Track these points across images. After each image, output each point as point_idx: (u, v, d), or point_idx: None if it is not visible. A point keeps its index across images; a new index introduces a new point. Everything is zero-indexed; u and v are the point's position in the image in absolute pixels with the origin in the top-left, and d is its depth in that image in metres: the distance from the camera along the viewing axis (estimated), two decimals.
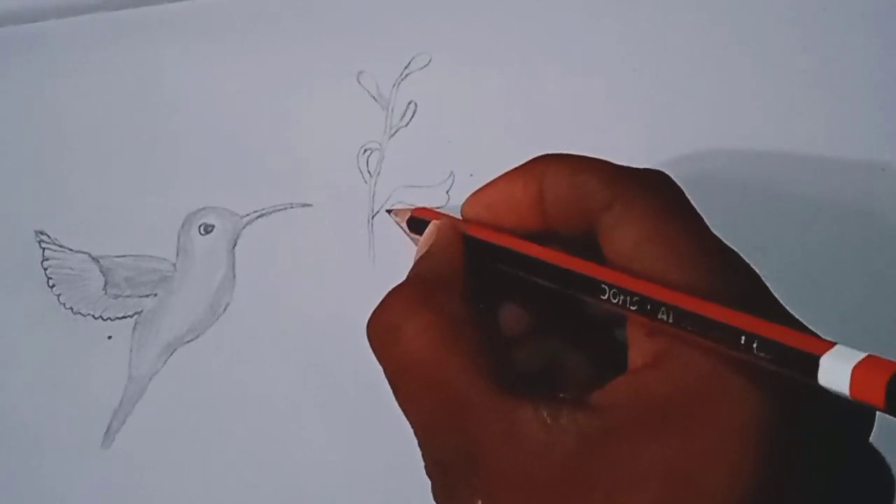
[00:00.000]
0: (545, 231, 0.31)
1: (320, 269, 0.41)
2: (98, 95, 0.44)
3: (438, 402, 0.27)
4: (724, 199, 0.42)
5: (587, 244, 0.29)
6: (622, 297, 0.26)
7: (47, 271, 0.41)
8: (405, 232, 0.37)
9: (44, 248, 0.41)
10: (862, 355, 0.22)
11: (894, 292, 0.41)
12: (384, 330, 0.29)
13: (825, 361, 0.22)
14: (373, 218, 0.42)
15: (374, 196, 0.42)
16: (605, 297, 0.27)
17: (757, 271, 0.29)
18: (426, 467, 0.28)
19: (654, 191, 0.29)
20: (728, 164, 0.42)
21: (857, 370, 0.21)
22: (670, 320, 0.25)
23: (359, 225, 0.42)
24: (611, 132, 0.43)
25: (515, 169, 0.31)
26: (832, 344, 0.22)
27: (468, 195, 0.33)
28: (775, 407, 0.24)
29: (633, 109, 0.43)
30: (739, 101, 0.43)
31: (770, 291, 0.28)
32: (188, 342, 0.40)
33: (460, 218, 0.33)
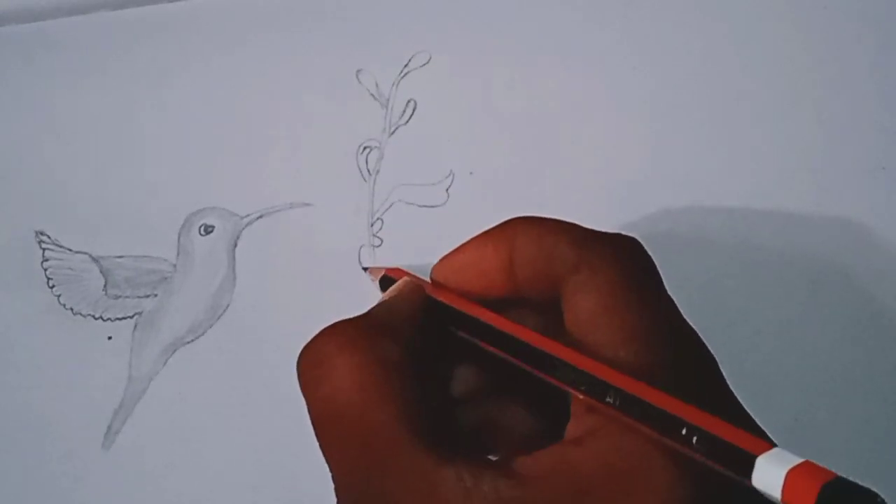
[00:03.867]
0: (514, 297, 0.30)
1: (320, 269, 0.41)
2: (97, 94, 0.44)
3: (360, 451, 0.26)
4: (724, 199, 0.42)
5: (555, 310, 0.29)
6: (572, 377, 0.26)
7: (47, 272, 0.41)
8: (378, 290, 0.37)
9: (44, 249, 0.41)
10: (798, 460, 0.21)
11: (895, 292, 0.41)
12: (313, 364, 0.28)
13: (761, 462, 0.22)
14: (373, 218, 0.42)
15: (373, 195, 0.42)
16: (555, 375, 0.27)
17: (712, 353, 0.28)
18: None
19: (620, 258, 0.28)
20: (728, 163, 0.42)
21: (792, 475, 0.21)
22: (616, 403, 0.25)
23: (359, 224, 0.42)
24: (611, 130, 0.43)
25: (487, 232, 0.31)
26: (771, 446, 0.22)
27: (439, 259, 0.32)
28: (698, 500, 0.24)
29: (633, 108, 0.43)
30: (739, 100, 0.43)
31: (722, 377, 0.28)
32: (188, 342, 0.40)
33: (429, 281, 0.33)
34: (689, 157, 0.42)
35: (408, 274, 0.35)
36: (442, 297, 0.31)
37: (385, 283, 0.36)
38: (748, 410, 0.28)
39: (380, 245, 0.41)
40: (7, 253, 0.41)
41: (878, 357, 0.40)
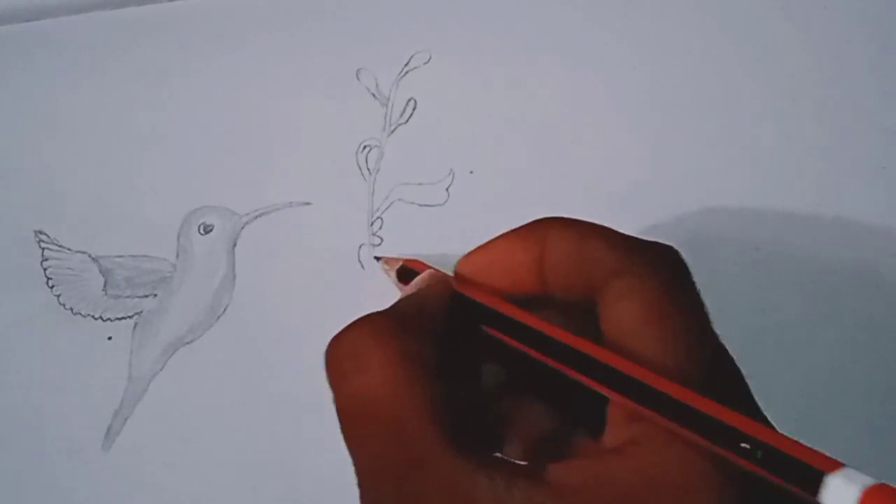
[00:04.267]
0: (540, 297, 0.30)
1: (320, 268, 0.41)
2: (98, 95, 0.43)
3: (390, 448, 0.25)
4: (724, 199, 0.42)
5: (583, 312, 0.28)
6: (615, 381, 0.25)
7: (47, 271, 0.41)
8: (393, 282, 0.36)
9: (43, 249, 0.41)
10: (872, 481, 0.21)
11: (895, 291, 0.41)
12: (346, 355, 0.27)
13: (833, 480, 0.21)
14: (373, 217, 0.42)
15: (373, 194, 0.42)
16: (596, 378, 0.26)
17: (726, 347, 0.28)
18: None
19: (663, 266, 0.27)
20: (728, 163, 0.42)
21: (868, 495, 0.21)
22: (666, 411, 0.24)
23: (359, 223, 0.42)
24: (611, 130, 0.43)
25: (517, 230, 0.30)
26: (840, 464, 0.22)
27: (462, 255, 0.31)
28: None
29: (633, 107, 0.43)
30: (739, 100, 0.43)
31: (749, 391, 0.27)
32: (188, 342, 0.40)
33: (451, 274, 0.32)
34: (689, 157, 0.42)
35: (429, 266, 0.34)
36: (470, 293, 0.30)
37: (404, 274, 0.35)
38: None
39: (380, 244, 0.41)
40: (6, 252, 0.41)
41: (878, 357, 0.40)
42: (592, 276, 0.28)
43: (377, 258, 0.41)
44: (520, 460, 0.29)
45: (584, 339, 0.27)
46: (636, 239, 0.28)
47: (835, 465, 0.22)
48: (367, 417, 0.26)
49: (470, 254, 0.31)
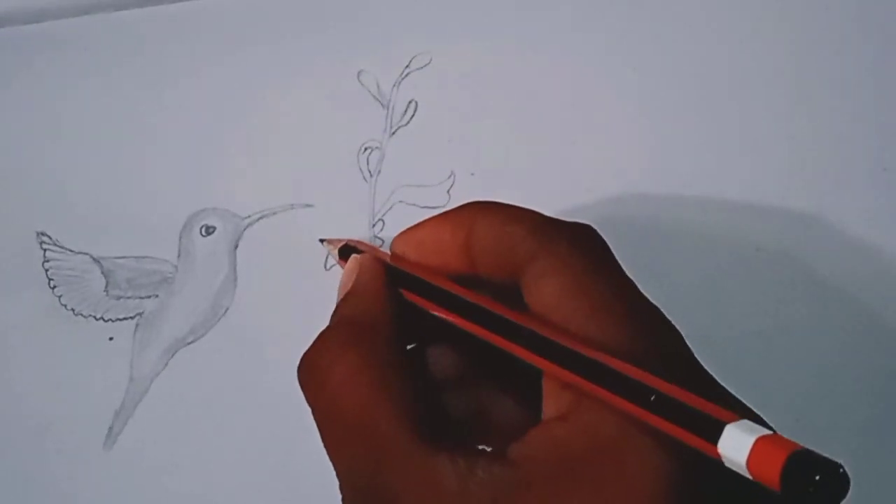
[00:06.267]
0: (471, 276, 0.31)
1: (321, 270, 0.41)
2: (98, 95, 0.44)
3: (362, 449, 0.27)
4: (725, 199, 0.42)
5: (511, 294, 0.29)
6: (545, 350, 0.26)
7: (48, 272, 0.41)
8: (336, 261, 0.37)
9: (45, 250, 0.41)
10: (767, 431, 0.22)
11: (895, 291, 0.41)
12: (312, 372, 0.29)
13: (729, 430, 0.22)
14: (374, 218, 0.42)
15: (374, 195, 0.42)
16: (523, 345, 0.27)
17: (679, 330, 0.29)
18: None
19: (579, 244, 0.29)
20: (729, 163, 0.42)
21: (759, 444, 0.21)
22: (585, 375, 0.25)
23: (360, 225, 0.42)
24: (611, 131, 0.43)
25: (445, 213, 0.31)
26: (738, 417, 0.22)
27: (398, 233, 0.33)
28: (683, 467, 0.24)
29: (633, 108, 0.43)
30: (740, 100, 0.43)
31: (691, 352, 0.28)
32: (190, 343, 0.40)
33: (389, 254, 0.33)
34: (689, 158, 0.42)
35: (366, 247, 0.35)
36: (407, 267, 0.32)
37: (344, 252, 0.36)
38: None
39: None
40: (8, 254, 0.42)
41: (878, 358, 0.40)
42: (515, 259, 0.29)
43: (321, 241, 0.41)
44: (464, 438, 0.31)
45: (518, 312, 0.28)
46: (553, 220, 0.30)
47: (733, 417, 0.22)
48: (338, 424, 0.28)
49: (403, 233, 0.32)
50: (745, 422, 0.22)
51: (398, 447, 0.26)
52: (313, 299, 0.41)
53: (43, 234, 0.42)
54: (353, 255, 0.34)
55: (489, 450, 0.27)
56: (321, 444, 0.39)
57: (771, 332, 0.40)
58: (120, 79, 0.44)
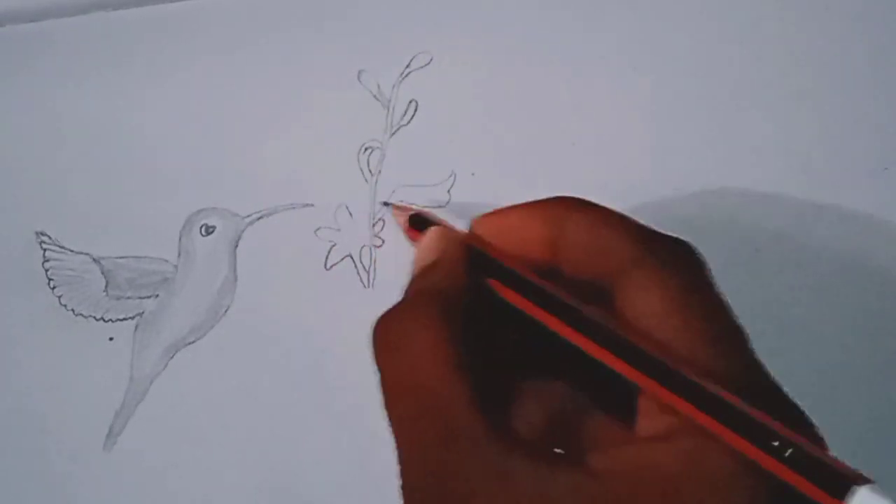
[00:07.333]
0: (550, 271, 0.30)
1: (321, 270, 0.41)
2: (98, 95, 0.44)
3: (435, 432, 0.26)
4: (725, 199, 0.42)
5: (591, 295, 0.28)
6: (644, 364, 0.25)
7: (48, 272, 0.41)
8: (402, 230, 0.37)
9: (45, 250, 0.41)
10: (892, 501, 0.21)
11: (895, 291, 0.41)
12: (394, 337, 0.28)
13: (863, 493, 0.21)
14: (374, 218, 0.42)
15: (375, 195, 0.42)
16: (625, 358, 0.26)
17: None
18: (403, 490, 0.26)
19: (683, 259, 0.28)
20: (729, 163, 0.42)
21: None
22: (696, 402, 0.24)
23: (360, 224, 0.42)
24: (612, 130, 0.43)
25: (533, 204, 0.31)
26: (868, 479, 0.22)
27: (480, 215, 0.32)
28: None
29: (633, 108, 0.43)
30: (741, 100, 0.43)
31: (772, 379, 0.27)
32: (190, 343, 0.40)
33: (462, 230, 0.32)
34: (690, 158, 0.42)
35: (442, 221, 0.35)
36: (495, 255, 0.30)
37: (417, 222, 0.35)
38: None
39: (381, 245, 0.41)
40: (8, 254, 0.41)
41: (878, 357, 0.40)
42: (609, 263, 0.28)
43: (385, 203, 0.40)
44: (536, 438, 0.29)
45: (607, 314, 0.27)
46: (656, 231, 0.29)
47: (862, 479, 0.22)
48: (412, 395, 0.27)
49: (486, 216, 0.31)
50: (876, 486, 0.22)
51: (473, 436, 0.25)
52: (313, 299, 0.41)
53: (43, 234, 0.42)
54: (435, 227, 0.33)
55: (562, 453, 0.26)
56: (321, 444, 0.39)
57: (771, 332, 0.40)
58: (119, 78, 0.44)
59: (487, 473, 0.25)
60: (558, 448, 0.28)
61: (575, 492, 0.24)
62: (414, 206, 0.37)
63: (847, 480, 0.22)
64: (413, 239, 0.36)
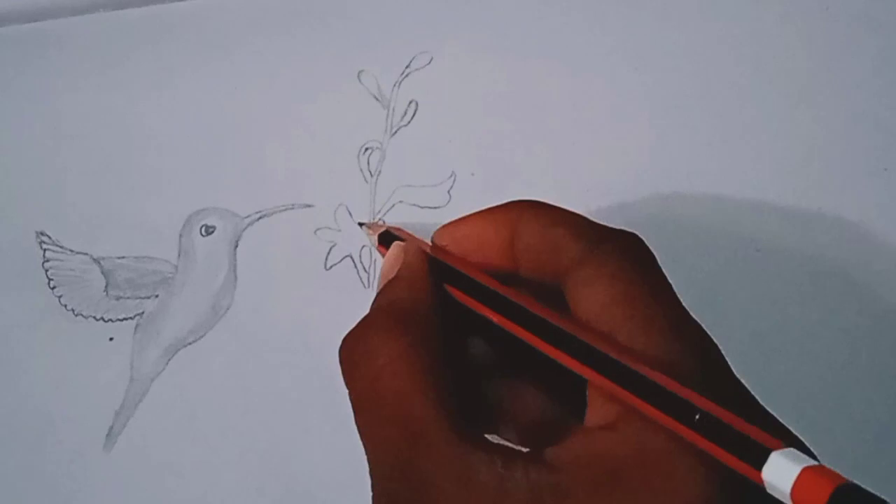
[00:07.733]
0: (511, 275, 0.31)
1: (321, 270, 0.41)
2: (98, 95, 0.44)
3: (399, 436, 0.27)
4: (725, 199, 0.42)
5: (551, 295, 0.29)
6: (589, 357, 0.26)
7: (48, 273, 0.41)
8: (373, 246, 0.37)
9: (45, 250, 0.41)
10: (814, 462, 0.21)
11: (895, 292, 0.41)
12: (354, 353, 0.29)
13: (775, 457, 0.22)
14: (374, 218, 0.42)
15: (374, 196, 0.42)
16: (571, 353, 0.27)
17: (714, 340, 0.28)
18: (374, 497, 0.27)
19: (628, 252, 0.29)
20: (729, 163, 0.42)
21: (805, 474, 0.21)
22: (632, 388, 0.25)
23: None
24: (612, 131, 0.43)
25: (489, 210, 0.31)
26: (784, 444, 0.22)
27: (440, 226, 0.33)
28: (728, 487, 0.24)
29: (633, 108, 0.43)
30: (741, 101, 0.43)
31: (731, 370, 0.28)
32: (190, 343, 0.40)
33: (429, 244, 0.33)
34: (690, 158, 0.42)
35: (406, 235, 0.35)
36: (452, 262, 0.31)
37: (385, 238, 0.36)
38: None
39: None
40: (8, 254, 0.41)
41: (878, 358, 0.40)
42: (560, 261, 0.29)
43: (360, 224, 0.41)
44: (514, 444, 0.31)
45: (562, 315, 0.28)
46: (601, 226, 0.30)
47: (779, 445, 0.22)
48: (377, 409, 0.27)
49: (446, 226, 0.32)
50: (792, 450, 0.22)
51: (435, 437, 0.26)
52: (313, 299, 0.41)
53: (43, 234, 0.42)
54: (397, 242, 0.34)
55: (525, 450, 0.27)
56: (321, 444, 0.39)
57: (771, 332, 0.40)
58: (119, 78, 0.44)
59: (450, 474, 0.26)
60: (525, 446, 0.29)
61: (533, 487, 0.25)
62: (386, 225, 0.38)
63: (766, 447, 0.22)
64: (383, 255, 0.37)
